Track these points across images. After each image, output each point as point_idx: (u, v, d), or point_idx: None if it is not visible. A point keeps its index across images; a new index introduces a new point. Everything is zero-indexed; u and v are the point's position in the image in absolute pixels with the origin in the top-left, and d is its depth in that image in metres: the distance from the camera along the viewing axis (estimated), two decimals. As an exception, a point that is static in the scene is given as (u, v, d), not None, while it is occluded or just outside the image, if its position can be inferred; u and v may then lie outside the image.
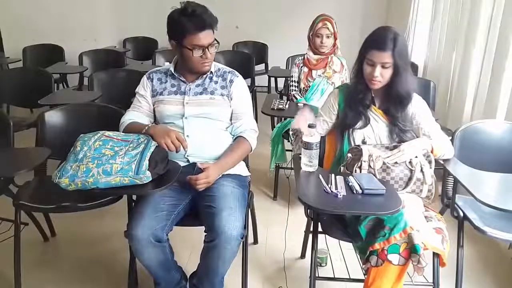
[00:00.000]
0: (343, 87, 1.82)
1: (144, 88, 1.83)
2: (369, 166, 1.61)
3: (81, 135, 1.58)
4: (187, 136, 1.74)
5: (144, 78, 1.84)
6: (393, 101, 1.66)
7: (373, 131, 1.71)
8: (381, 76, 1.59)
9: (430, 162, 1.62)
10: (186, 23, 1.63)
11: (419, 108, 1.71)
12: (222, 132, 1.80)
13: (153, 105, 1.82)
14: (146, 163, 1.46)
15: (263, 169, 3.01)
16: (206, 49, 1.67)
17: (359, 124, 1.70)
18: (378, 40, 1.59)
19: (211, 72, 1.79)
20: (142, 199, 1.64)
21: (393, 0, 4.99)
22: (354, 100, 1.70)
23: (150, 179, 1.45)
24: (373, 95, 1.70)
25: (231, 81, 1.79)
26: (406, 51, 1.63)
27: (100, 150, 1.49)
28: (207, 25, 1.65)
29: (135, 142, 1.56)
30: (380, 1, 5.21)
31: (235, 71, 1.85)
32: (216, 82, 1.78)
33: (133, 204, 1.77)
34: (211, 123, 1.76)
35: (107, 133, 1.59)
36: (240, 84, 1.81)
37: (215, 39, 1.71)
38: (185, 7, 1.64)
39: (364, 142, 1.70)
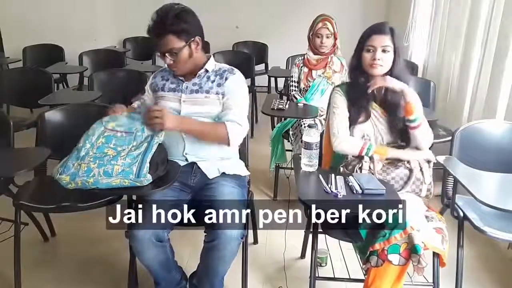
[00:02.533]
0: (344, 84, 1.81)
1: (149, 84, 1.86)
2: (369, 168, 1.62)
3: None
4: (184, 134, 1.74)
5: (152, 75, 1.89)
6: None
7: (373, 128, 1.71)
8: (382, 60, 1.62)
9: (428, 162, 1.63)
10: (148, 29, 1.66)
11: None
12: None
13: (155, 101, 1.82)
14: (147, 165, 1.46)
15: (263, 169, 3.01)
16: (166, 55, 1.67)
17: (361, 118, 1.70)
18: (377, 26, 1.65)
19: (207, 70, 1.76)
20: (142, 199, 1.64)
21: (393, 0, 4.99)
22: (356, 95, 1.70)
23: (151, 181, 1.45)
24: (374, 92, 1.71)
25: (226, 78, 1.75)
26: (402, 41, 1.66)
27: (103, 149, 1.49)
28: (160, 34, 1.64)
29: (138, 139, 1.54)
30: (380, 1, 5.21)
31: (234, 68, 1.81)
32: (213, 81, 1.75)
33: (133, 204, 1.77)
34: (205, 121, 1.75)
35: (110, 125, 1.57)
36: (234, 80, 1.75)
37: (188, 43, 1.66)
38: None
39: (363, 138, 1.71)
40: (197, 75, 1.76)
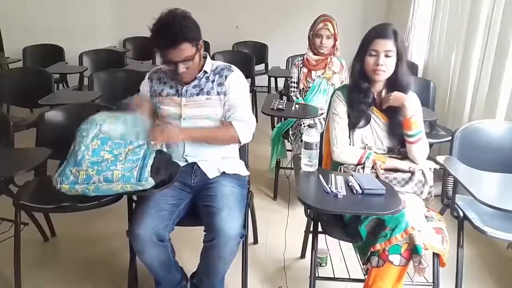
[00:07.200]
0: (344, 88, 1.80)
1: (143, 87, 1.83)
2: (372, 170, 1.62)
3: (80, 127, 1.55)
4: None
5: (146, 77, 1.84)
6: (396, 90, 1.66)
7: (372, 132, 1.71)
8: (385, 65, 1.61)
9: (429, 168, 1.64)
10: (154, 41, 1.58)
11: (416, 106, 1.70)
12: None
13: (154, 107, 1.80)
14: (148, 169, 1.45)
15: (263, 169, 3.01)
16: (179, 64, 1.62)
17: (361, 123, 1.69)
18: (381, 30, 1.63)
19: (206, 71, 1.74)
20: (143, 199, 1.64)
21: (393, 0, 5.00)
22: (356, 100, 1.69)
23: (153, 184, 1.45)
24: (375, 96, 1.70)
25: (226, 77, 1.73)
26: (405, 43, 1.64)
27: (99, 152, 1.47)
28: (173, 43, 1.56)
29: (135, 142, 1.53)
30: (380, 1, 5.21)
31: (231, 65, 1.79)
32: (212, 81, 1.74)
33: (134, 204, 1.77)
34: (208, 123, 1.74)
35: (105, 127, 1.54)
36: (234, 78, 1.74)
37: (198, 48, 1.63)
38: (155, 22, 1.57)
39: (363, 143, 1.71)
40: (196, 77, 1.74)
